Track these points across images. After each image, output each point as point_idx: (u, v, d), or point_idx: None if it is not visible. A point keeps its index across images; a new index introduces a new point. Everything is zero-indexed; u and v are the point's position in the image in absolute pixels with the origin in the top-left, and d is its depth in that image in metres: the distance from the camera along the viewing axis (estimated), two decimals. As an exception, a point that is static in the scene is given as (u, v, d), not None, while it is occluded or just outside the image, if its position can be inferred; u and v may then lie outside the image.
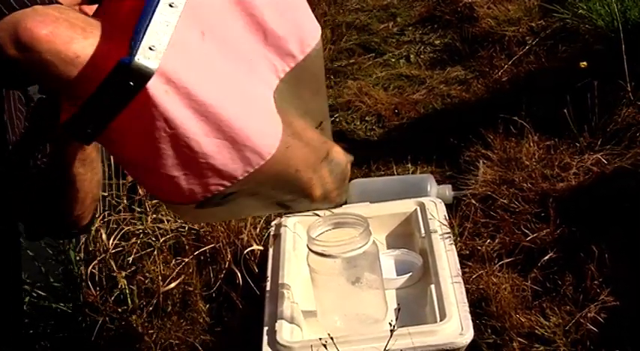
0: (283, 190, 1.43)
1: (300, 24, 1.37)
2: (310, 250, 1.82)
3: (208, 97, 1.20)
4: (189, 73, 1.18)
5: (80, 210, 1.53)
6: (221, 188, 1.29)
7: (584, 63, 2.62)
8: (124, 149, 1.25)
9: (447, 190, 2.34)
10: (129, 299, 2.14)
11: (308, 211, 1.68)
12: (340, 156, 1.57)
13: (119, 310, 2.13)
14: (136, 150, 1.23)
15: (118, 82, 1.12)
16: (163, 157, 1.21)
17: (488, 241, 2.11)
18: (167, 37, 1.15)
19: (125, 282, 2.15)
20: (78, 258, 2.30)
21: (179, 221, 2.28)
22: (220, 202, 1.34)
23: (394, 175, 2.58)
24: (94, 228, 2.25)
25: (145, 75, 1.12)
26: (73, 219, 1.55)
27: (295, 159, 1.38)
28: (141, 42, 1.13)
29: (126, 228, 2.26)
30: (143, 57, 1.12)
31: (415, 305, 1.96)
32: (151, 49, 1.13)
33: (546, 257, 2.00)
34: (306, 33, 1.39)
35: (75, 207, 1.51)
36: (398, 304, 1.96)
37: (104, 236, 2.22)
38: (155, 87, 1.14)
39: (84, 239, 2.27)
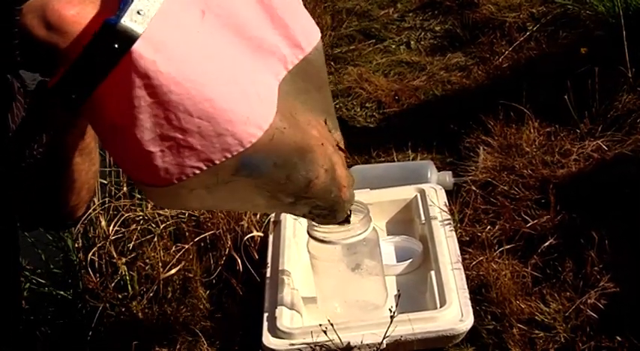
0: (266, 185, 1.39)
1: (305, 22, 1.40)
2: (310, 236, 1.82)
3: (195, 74, 1.19)
4: (178, 47, 1.18)
5: (76, 201, 1.52)
6: (197, 171, 1.27)
7: (585, 49, 2.61)
8: (104, 120, 1.23)
9: (447, 177, 2.34)
10: (129, 286, 2.14)
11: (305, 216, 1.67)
12: (342, 170, 1.56)
13: (119, 296, 2.13)
14: (116, 120, 1.22)
15: (103, 43, 1.12)
16: (142, 129, 1.20)
17: (489, 227, 2.10)
18: (157, 5, 1.15)
19: (125, 268, 2.16)
20: (77, 245, 2.30)
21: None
22: (196, 188, 1.31)
23: (394, 161, 2.57)
24: (93, 214, 2.25)
25: (130, 37, 1.12)
26: (68, 210, 1.54)
27: (281, 152, 1.35)
28: (129, 5, 1.13)
29: (126, 214, 2.26)
30: (130, 19, 1.12)
31: (415, 291, 1.97)
32: (138, 13, 1.13)
33: (546, 243, 2.00)
34: (310, 30, 1.41)
35: (71, 197, 1.50)
36: (398, 291, 1.96)
37: (104, 223, 2.23)
38: (140, 52, 1.14)
39: (83, 226, 2.27)
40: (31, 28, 1.14)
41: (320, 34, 1.43)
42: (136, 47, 1.13)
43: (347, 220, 1.71)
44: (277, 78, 1.34)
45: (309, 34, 1.40)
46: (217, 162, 1.26)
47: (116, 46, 1.12)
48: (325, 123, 1.52)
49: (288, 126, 1.34)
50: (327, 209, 1.58)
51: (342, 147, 1.55)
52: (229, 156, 1.27)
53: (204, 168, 1.26)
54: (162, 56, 1.16)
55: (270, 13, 1.32)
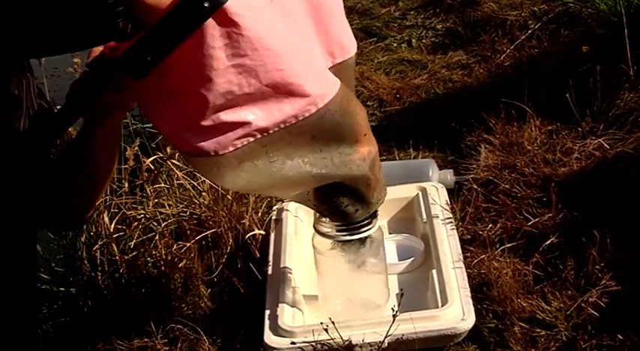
0: (304, 156, 1.44)
1: (343, 33, 1.50)
2: (316, 230, 1.81)
3: (272, 43, 1.24)
4: (260, 16, 1.23)
5: (93, 201, 1.54)
6: (251, 139, 1.32)
7: (587, 47, 2.61)
8: (167, 85, 1.26)
9: (449, 175, 2.34)
10: (131, 283, 2.14)
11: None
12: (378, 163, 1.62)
13: (121, 294, 2.13)
14: (184, 84, 1.25)
15: (193, 1, 1.15)
16: (214, 93, 1.24)
17: (490, 225, 2.10)
18: None
19: (127, 266, 2.16)
20: (79, 241, 2.30)
21: (180, 206, 2.28)
22: (245, 160, 1.35)
23: (396, 159, 2.57)
24: (96, 212, 2.25)
25: None
26: (83, 210, 1.55)
27: (325, 129, 1.41)
28: None
29: (127, 212, 2.26)
30: None
31: (417, 290, 1.97)
32: None
33: (548, 242, 2.00)
34: (346, 43, 1.50)
35: (89, 197, 1.52)
36: (400, 290, 1.96)
37: (106, 220, 2.22)
38: (228, 12, 1.18)
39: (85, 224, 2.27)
40: None
41: (355, 47, 1.53)
42: (226, 7, 1.17)
43: (369, 222, 1.74)
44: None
45: (345, 47, 1.50)
46: (271, 131, 1.33)
47: (206, 4, 1.16)
48: None
49: (338, 109, 1.41)
50: (353, 198, 1.65)
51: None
52: (282, 126, 1.33)
53: (259, 136, 1.33)
54: (247, 21, 1.20)
55: (318, 18, 1.42)
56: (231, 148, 1.32)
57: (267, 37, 1.23)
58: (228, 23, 1.18)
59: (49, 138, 1.45)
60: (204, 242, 2.18)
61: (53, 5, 1.11)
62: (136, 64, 1.21)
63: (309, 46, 1.38)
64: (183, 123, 1.30)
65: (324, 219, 1.77)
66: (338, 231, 1.76)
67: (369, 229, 1.77)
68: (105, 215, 2.23)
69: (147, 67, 1.21)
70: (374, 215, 1.77)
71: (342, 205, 1.66)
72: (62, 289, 2.29)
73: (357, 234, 1.77)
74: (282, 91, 1.29)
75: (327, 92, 1.37)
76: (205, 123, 1.28)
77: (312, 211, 1.81)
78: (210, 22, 1.17)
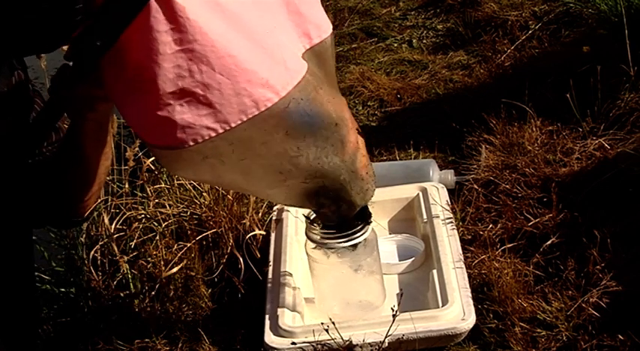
0: (277, 157, 1.40)
1: (317, 13, 1.43)
2: (308, 238, 1.81)
3: (222, 27, 1.21)
4: (205, 2, 1.19)
5: (88, 196, 1.53)
6: (212, 134, 1.28)
7: (587, 47, 2.61)
8: (125, 73, 1.23)
9: (450, 175, 2.34)
10: (131, 284, 2.14)
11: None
12: (357, 155, 1.56)
13: (121, 294, 2.13)
14: (137, 71, 1.22)
15: None
16: (164, 79, 1.21)
17: (491, 226, 2.10)
18: None
19: (127, 267, 2.16)
20: (79, 242, 2.30)
21: (181, 206, 2.28)
22: (210, 156, 1.31)
23: (396, 160, 2.57)
24: (96, 212, 2.25)
25: None
26: (79, 206, 1.55)
27: (294, 122, 1.35)
28: None
29: (128, 213, 2.26)
30: None
31: (417, 290, 1.97)
32: None
33: (548, 242, 2.00)
34: (322, 23, 1.44)
35: (83, 192, 1.51)
36: (400, 290, 1.96)
37: (106, 220, 2.22)
38: None
39: (86, 224, 2.27)
40: None
41: (331, 29, 1.45)
42: None
43: (360, 228, 1.73)
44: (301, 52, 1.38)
45: (321, 27, 1.43)
46: (233, 124, 1.28)
47: None
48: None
49: (304, 98, 1.35)
50: (333, 197, 1.58)
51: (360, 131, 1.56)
52: (244, 119, 1.28)
53: (220, 131, 1.27)
54: (193, 4, 1.17)
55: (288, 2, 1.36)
56: (191, 143, 1.28)
57: (216, 21, 1.20)
58: (173, 5, 1.15)
59: (37, 134, 1.44)
60: (204, 242, 2.18)
61: (15, 7, 1.11)
62: (87, 50, 1.18)
63: (271, 31, 1.32)
64: (142, 113, 1.27)
65: (314, 226, 1.76)
66: (328, 238, 1.75)
67: (360, 235, 1.76)
68: (105, 216, 2.23)
69: (98, 52, 1.18)
70: (366, 220, 1.75)
71: (324, 205, 1.62)
72: (62, 289, 2.29)
73: (348, 241, 1.75)
74: (238, 79, 1.24)
75: (289, 80, 1.31)
76: (161, 113, 1.24)
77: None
78: (154, 5, 1.14)
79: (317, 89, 1.39)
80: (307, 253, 1.85)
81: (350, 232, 1.74)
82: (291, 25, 1.38)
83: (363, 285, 1.88)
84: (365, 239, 1.78)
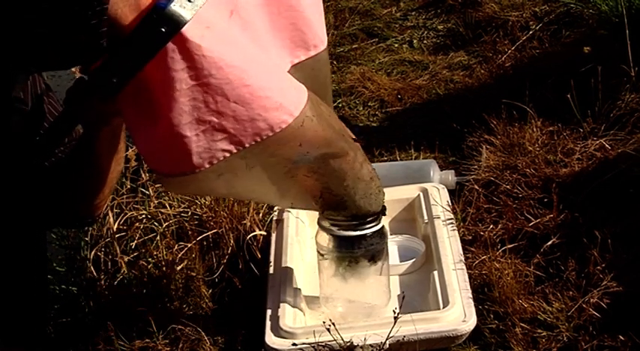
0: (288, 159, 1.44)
1: (312, 25, 1.47)
2: (319, 225, 1.80)
3: (236, 60, 1.24)
4: (223, 34, 1.23)
5: (99, 199, 1.55)
6: (227, 154, 1.32)
7: (588, 48, 2.61)
8: (140, 107, 1.26)
9: (450, 176, 2.34)
10: (132, 284, 2.14)
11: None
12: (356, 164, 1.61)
13: (122, 294, 2.13)
14: (153, 105, 1.25)
15: (152, 26, 1.16)
16: (179, 112, 1.24)
17: (491, 226, 2.10)
18: None
19: (128, 267, 2.16)
20: (81, 243, 2.31)
21: (182, 206, 2.28)
22: (224, 173, 1.35)
23: (397, 160, 2.57)
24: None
25: (177, 22, 1.16)
26: (90, 208, 1.56)
27: (308, 137, 1.40)
28: None
29: (129, 213, 2.26)
30: (179, 5, 1.17)
31: (418, 292, 1.97)
32: (189, 0, 1.17)
33: (549, 243, 2.00)
34: (318, 34, 1.48)
35: (95, 195, 1.53)
36: (402, 292, 1.96)
37: (111, 220, 2.23)
38: (187, 36, 1.18)
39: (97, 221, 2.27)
40: (119, 18, 1.16)
41: (325, 43, 1.49)
42: (184, 31, 1.17)
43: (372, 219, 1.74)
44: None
45: (315, 39, 1.47)
46: (247, 145, 1.32)
47: (163, 29, 1.16)
48: None
49: (317, 115, 1.40)
50: (338, 201, 1.63)
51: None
52: (259, 140, 1.33)
53: (235, 151, 1.32)
54: (207, 41, 1.20)
55: (280, 15, 1.39)
56: (207, 165, 1.32)
57: (230, 55, 1.23)
58: (188, 46, 1.18)
59: (50, 143, 1.46)
60: (205, 243, 2.18)
61: (43, 23, 1.12)
62: (103, 85, 1.21)
63: (270, 54, 1.36)
64: (155, 143, 1.30)
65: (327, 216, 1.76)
66: (337, 227, 1.76)
67: (372, 226, 1.77)
68: (111, 215, 2.23)
69: (113, 89, 1.21)
70: (379, 216, 1.77)
71: (331, 206, 1.66)
72: (63, 286, 2.29)
73: (357, 231, 1.76)
74: (253, 106, 1.28)
75: (301, 99, 1.37)
76: (176, 144, 1.28)
77: (313, 212, 1.80)
78: (170, 46, 1.17)
79: (322, 105, 1.45)
80: (317, 243, 1.84)
81: (360, 222, 1.75)
82: (285, 41, 1.42)
83: (368, 284, 1.87)
84: (374, 233, 1.78)
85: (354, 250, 1.80)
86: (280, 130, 1.33)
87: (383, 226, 1.81)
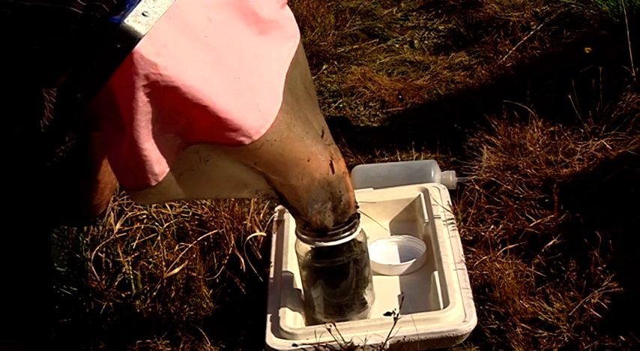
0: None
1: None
2: (297, 236, 1.79)
3: (193, 80, 1.21)
4: (181, 51, 1.20)
5: (99, 199, 1.55)
6: (183, 150, 1.32)
7: (589, 48, 2.61)
8: (112, 120, 1.25)
9: (451, 176, 2.34)
10: (132, 285, 2.14)
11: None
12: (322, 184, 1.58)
13: (122, 295, 2.13)
14: (120, 120, 1.23)
15: (106, 43, 1.13)
16: (137, 128, 1.22)
17: (492, 226, 2.10)
18: (164, 8, 1.16)
19: (129, 267, 2.16)
20: (82, 243, 2.30)
21: (183, 206, 2.28)
22: (184, 171, 1.34)
23: (398, 160, 2.57)
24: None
25: (131, 38, 1.13)
26: (90, 208, 1.56)
27: (264, 159, 1.39)
28: (135, 6, 1.14)
29: (130, 213, 2.26)
30: (133, 20, 1.13)
31: (418, 292, 1.97)
32: (144, 14, 1.14)
33: (550, 243, 1.99)
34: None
35: (94, 196, 1.53)
36: (402, 292, 1.96)
37: (112, 221, 2.23)
38: (142, 53, 1.15)
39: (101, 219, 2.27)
40: None
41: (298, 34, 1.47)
42: (139, 48, 1.14)
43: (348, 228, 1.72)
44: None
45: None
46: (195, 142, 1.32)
47: (119, 45, 1.13)
48: (322, 136, 1.53)
49: (278, 139, 1.37)
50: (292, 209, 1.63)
51: (337, 161, 1.59)
52: (210, 141, 1.32)
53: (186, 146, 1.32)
54: (163, 60, 1.17)
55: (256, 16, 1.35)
56: (167, 170, 1.30)
57: (187, 75, 1.20)
58: (144, 63, 1.15)
59: (49, 143, 1.45)
60: (205, 243, 2.18)
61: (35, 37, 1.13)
62: (69, 99, 1.20)
63: (250, 66, 1.33)
64: (120, 156, 1.29)
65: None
66: (315, 237, 1.74)
67: (348, 235, 1.75)
68: (113, 215, 2.23)
69: (78, 103, 1.19)
70: (354, 222, 1.74)
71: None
72: (64, 287, 2.28)
73: (334, 241, 1.74)
74: (211, 126, 1.27)
75: (262, 123, 1.33)
76: (135, 157, 1.26)
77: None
78: (127, 62, 1.15)
79: (291, 127, 1.40)
80: (297, 253, 1.83)
81: (336, 231, 1.73)
82: (271, 45, 1.38)
83: (350, 286, 1.85)
84: (355, 240, 1.77)
85: (334, 259, 1.78)
86: (234, 146, 1.32)
87: (353, 239, 1.78)
